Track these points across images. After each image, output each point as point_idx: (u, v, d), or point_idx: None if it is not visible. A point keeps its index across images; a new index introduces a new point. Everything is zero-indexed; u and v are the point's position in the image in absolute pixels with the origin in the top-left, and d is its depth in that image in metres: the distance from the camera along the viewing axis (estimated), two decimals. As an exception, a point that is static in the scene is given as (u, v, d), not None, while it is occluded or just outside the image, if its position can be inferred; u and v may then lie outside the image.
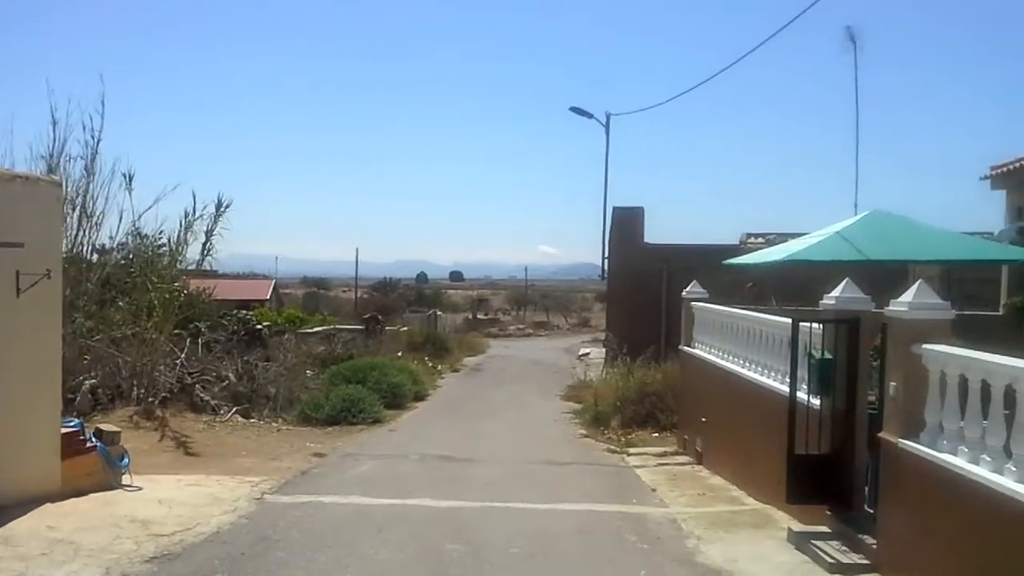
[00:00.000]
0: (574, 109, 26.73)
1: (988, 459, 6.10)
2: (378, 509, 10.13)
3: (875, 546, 7.71)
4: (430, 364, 26.68)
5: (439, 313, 46.38)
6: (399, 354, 25.46)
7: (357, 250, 60.00)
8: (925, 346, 6.94)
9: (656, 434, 16.08)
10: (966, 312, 14.04)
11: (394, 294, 67.06)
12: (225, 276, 36.49)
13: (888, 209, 11.50)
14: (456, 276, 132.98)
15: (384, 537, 8.91)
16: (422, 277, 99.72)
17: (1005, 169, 12.60)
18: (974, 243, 12.20)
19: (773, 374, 10.41)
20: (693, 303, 14.44)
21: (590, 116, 26.65)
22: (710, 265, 15.18)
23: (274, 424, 16.47)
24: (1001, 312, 12.80)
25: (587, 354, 32.18)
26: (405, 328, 32.96)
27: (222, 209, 16.64)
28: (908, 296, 7.18)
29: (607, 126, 26.53)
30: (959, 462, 6.38)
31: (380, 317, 31.31)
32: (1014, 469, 5.81)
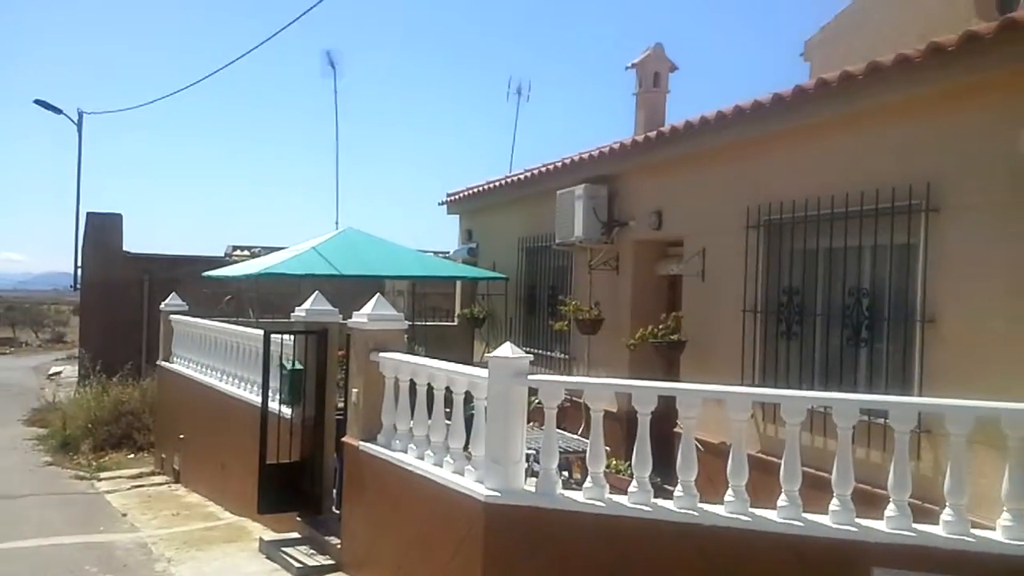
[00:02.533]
0: (39, 102, 24.07)
1: (432, 454, 6.79)
2: None
3: (339, 546, 8.14)
4: None
5: None
6: None
7: None
8: (382, 354, 7.51)
9: (132, 455, 15.21)
10: (431, 323, 15.59)
11: None
12: None
13: (368, 228, 12.29)
14: None
15: None
16: None
17: (457, 196, 14.21)
18: (433, 261, 13.59)
19: (248, 386, 10.46)
20: (172, 316, 13.92)
21: (59, 111, 24.23)
22: (195, 277, 14.77)
23: None
24: (456, 322, 14.40)
25: (59, 373, 29.18)
26: None
27: None
28: (368, 308, 7.72)
29: (79, 124, 24.36)
30: (408, 459, 7.01)
31: None
32: (452, 461, 6.55)
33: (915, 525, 5.17)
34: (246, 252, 20.44)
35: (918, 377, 5.97)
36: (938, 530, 5.12)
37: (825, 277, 7.07)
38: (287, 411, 9.08)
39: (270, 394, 9.09)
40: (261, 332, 9.39)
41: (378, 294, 7.95)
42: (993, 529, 5.08)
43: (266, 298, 15.42)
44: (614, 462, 8.50)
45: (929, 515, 5.29)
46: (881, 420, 5.56)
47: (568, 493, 5.92)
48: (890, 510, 5.21)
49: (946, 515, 5.14)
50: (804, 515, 5.35)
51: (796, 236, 7.20)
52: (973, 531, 5.07)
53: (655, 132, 9.02)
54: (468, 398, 6.48)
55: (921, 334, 5.95)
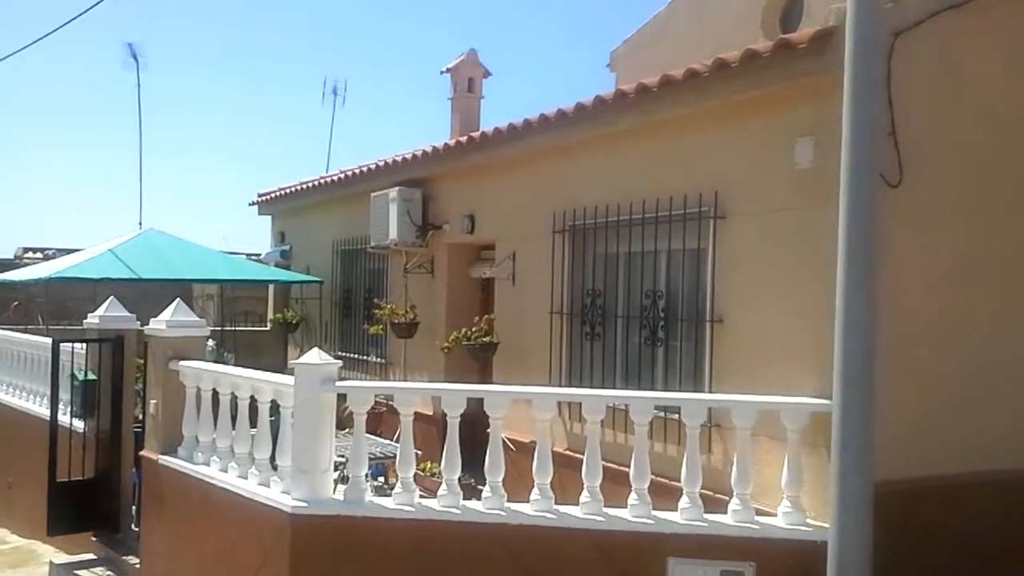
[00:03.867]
0: None
1: (236, 466, 6.56)
2: None
3: (139, 566, 7.72)
4: None
5: None
6: None
7: None
8: (182, 363, 7.19)
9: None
10: (242, 328, 15.07)
11: None
12: None
13: (176, 228, 11.74)
14: None
15: None
16: None
17: (269, 197, 13.80)
18: (243, 264, 13.15)
19: (38, 399, 9.76)
20: (-50, 325, 12.76)
21: None
22: (-24, 282, 13.58)
23: None
24: (269, 327, 13.98)
25: None
26: None
27: None
28: (167, 314, 7.37)
29: None
30: (211, 472, 6.73)
31: None
32: (258, 473, 6.35)
33: (706, 515, 5.48)
34: (38, 254, 19.03)
35: (708, 374, 6.32)
36: (727, 519, 5.46)
37: (625, 280, 7.36)
38: (80, 424, 8.52)
39: (61, 407, 8.51)
40: (50, 341, 8.77)
41: (178, 299, 7.60)
42: (775, 516, 5.46)
43: (62, 303, 14.45)
44: (429, 465, 8.52)
45: (720, 505, 5.62)
46: (676, 416, 5.85)
47: (378, 500, 5.88)
48: (683, 502, 5.50)
49: (734, 504, 5.48)
50: (605, 510, 5.56)
51: (599, 241, 7.46)
52: (758, 518, 5.44)
53: (466, 137, 9.10)
54: (275, 406, 6.31)
55: (711, 333, 6.30)
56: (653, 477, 5.59)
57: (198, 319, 7.64)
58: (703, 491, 5.57)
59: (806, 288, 5.48)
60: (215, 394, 6.89)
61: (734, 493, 5.49)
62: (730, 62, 5.81)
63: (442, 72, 12.16)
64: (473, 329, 8.50)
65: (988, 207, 5.82)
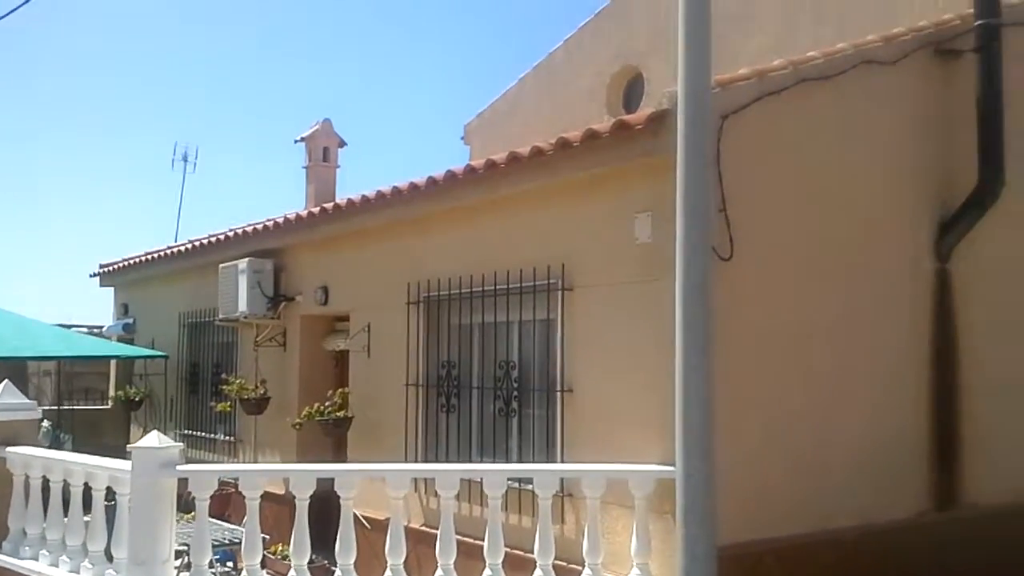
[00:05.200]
0: None
1: (68, 560, 6.14)
2: None
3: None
4: None
5: None
6: None
7: None
8: (9, 449, 6.71)
9: None
10: (81, 407, 14.24)
11: None
12: None
13: (7, 300, 11.03)
14: None
15: None
16: None
17: (111, 268, 13.22)
18: (81, 339, 12.47)
19: None
20: None
21: None
22: None
23: None
24: (110, 405, 13.28)
25: None
26: None
27: None
28: (-8, 398, 6.89)
29: None
30: (40, 567, 6.28)
31: None
32: (91, 566, 5.96)
33: (558, 586, 5.50)
34: None
35: (560, 443, 6.40)
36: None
37: (480, 351, 7.42)
38: None
39: None
40: None
41: (6, 381, 7.12)
42: (626, 583, 5.53)
43: None
44: (280, 547, 8.23)
45: (574, 575, 5.65)
46: (529, 486, 5.88)
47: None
48: (537, 575, 5.50)
49: (585, 574, 5.52)
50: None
51: (453, 312, 7.51)
52: (609, 587, 5.49)
53: (319, 208, 9.03)
54: (112, 493, 5.96)
55: (561, 403, 6.41)
56: (508, 550, 5.58)
57: (29, 401, 7.19)
58: (557, 562, 5.58)
59: (649, 358, 5.66)
60: (46, 481, 6.45)
61: (586, 563, 5.54)
62: (572, 141, 6.03)
63: (297, 141, 12.12)
64: (326, 404, 8.33)
65: (817, 278, 6.21)
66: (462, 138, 13.80)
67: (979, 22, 6.69)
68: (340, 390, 8.48)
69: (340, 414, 8.28)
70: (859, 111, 6.47)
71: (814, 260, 6.21)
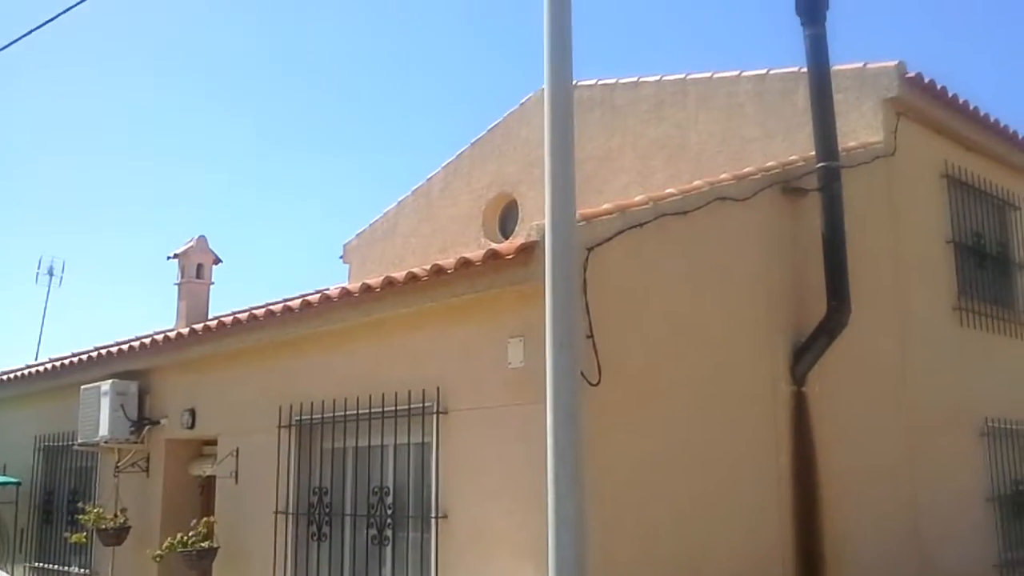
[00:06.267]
0: None
1: None
2: None
3: None
4: None
5: None
6: None
7: None
8: None
9: None
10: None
11: None
12: None
13: None
14: None
15: None
16: None
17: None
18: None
19: None
20: None
21: None
22: None
23: None
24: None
25: None
26: None
27: None
28: None
29: None
30: None
31: None
32: None
33: None
34: None
35: (435, 572, 6.29)
36: None
37: (353, 476, 7.29)
38: None
39: None
40: None
41: None
42: None
43: None
44: None
45: None
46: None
47: None
48: None
49: None
50: None
51: (326, 435, 7.39)
52: None
53: (188, 329, 8.83)
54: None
55: (436, 529, 6.33)
56: None
57: None
58: None
59: (523, 482, 5.70)
60: None
61: None
62: (447, 268, 6.17)
63: (169, 258, 11.88)
64: (190, 533, 7.95)
65: (682, 402, 6.42)
66: (341, 257, 13.86)
67: (820, 164, 7.32)
68: (205, 519, 8.13)
69: (205, 544, 7.92)
70: (715, 243, 6.88)
71: (679, 384, 6.45)
